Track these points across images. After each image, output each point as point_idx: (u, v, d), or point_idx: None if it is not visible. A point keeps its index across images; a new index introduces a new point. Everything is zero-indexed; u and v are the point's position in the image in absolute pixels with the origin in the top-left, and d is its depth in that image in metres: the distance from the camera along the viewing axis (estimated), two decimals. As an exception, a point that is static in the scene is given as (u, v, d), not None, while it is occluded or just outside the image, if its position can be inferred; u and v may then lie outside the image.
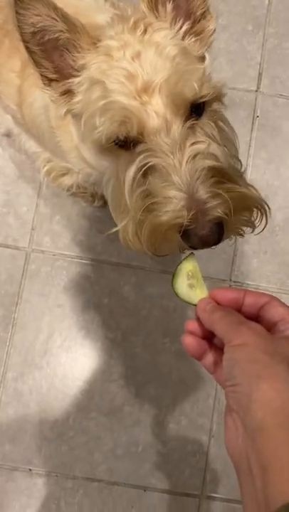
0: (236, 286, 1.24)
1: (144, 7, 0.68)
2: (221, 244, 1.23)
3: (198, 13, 0.70)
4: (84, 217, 1.25)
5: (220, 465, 1.18)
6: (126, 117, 0.64)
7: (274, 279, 1.25)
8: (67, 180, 1.04)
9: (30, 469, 1.16)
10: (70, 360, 1.20)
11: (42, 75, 0.69)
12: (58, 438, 1.17)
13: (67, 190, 1.09)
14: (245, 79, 1.33)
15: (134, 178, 0.67)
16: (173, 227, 0.63)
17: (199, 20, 0.71)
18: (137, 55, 0.64)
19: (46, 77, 0.69)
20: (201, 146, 0.64)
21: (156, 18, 0.68)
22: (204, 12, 0.70)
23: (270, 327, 0.56)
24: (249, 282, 1.24)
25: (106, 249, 1.25)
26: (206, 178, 0.62)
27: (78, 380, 1.19)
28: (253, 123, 1.31)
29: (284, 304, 0.58)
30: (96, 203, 1.23)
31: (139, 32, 0.66)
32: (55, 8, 0.63)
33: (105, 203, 1.24)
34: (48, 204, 1.25)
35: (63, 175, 1.04)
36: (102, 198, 1.22)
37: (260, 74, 1.33)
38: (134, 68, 0.64)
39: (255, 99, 1.32)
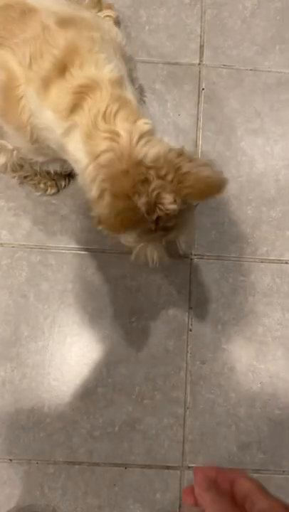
0: (197, 259, 1.25)
1: None
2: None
3: None
4: (40, 207, 1.25)
5: (197, 435, 1.20)
6: None
7: (234, 248, 1.26)
8: (0, 159, 1.04)
9: (10, 459, 1.17)
10: (40, 348, 1.21)
11: None
12: (35, 426, 1.18)
13: (2, 170, 1.08)
14: (187, 53, 1.33)
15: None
16: None
17: None
18: None
19: None
20: None
21: None
22: None
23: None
24: (209, 254, 1.26)
25: (65, 235, 1.25)
26: None
27: (49, 367, 1.20)
28: (199, 96, 1.31)
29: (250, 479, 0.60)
30: (49, 191, 1.23)
31: None
32: None
33: (58, 190, 1.25)
34: (1, 197, 1.25)
35: None
36: (54, 185, 1.23)
37: (201, 46, 1.33)
38: None
39: (199, 72, 1.32)
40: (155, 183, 0.79)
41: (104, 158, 0.81)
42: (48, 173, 1.15)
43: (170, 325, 1.23)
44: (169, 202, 0.80)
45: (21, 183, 1.23)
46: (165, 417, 1.20)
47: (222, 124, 1.30)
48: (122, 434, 1.19)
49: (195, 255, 1.25)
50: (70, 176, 1.23)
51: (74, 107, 0.83)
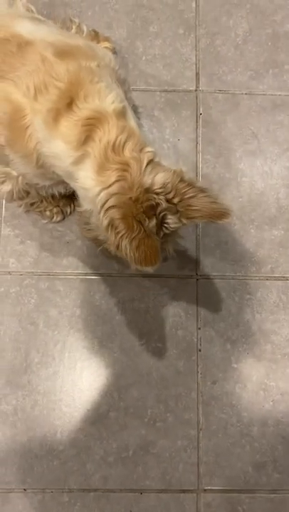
0: (203, 280, 1.27)
1: None
2: (182, 242, 1.27)
3: None
4: (46, 234, 1.27)
5: (212, 457, 1.19)
6: None
7: (238, 267, 1.28)
8: (6, 187, 1.08)
9: (24, 489, 1.16)
10: (50, 374, 1.21)
11: None
12: (49, 454, 1.17)
13: (9, 198, 1.12)
14: (183, 80, 1.37)
15: None
16: None
17: None
18: None
19: None
20: None
21: None
22: None
23: None
24: (215, 273, 1.27)
25: (71, 261, 1.27)
26: None
27: (61, 393, 1.20)
28: (197, 121, 1.35)
29: None
30: (55, 218, 1.25)
31: None
32: None
33: (64, 217, 1.27)
34: (9, 226, 1.27)
35: (2, 182, 1.07)
36: (60, 212, 1.25)
37: (197, 73, 1.37)
38: None
39: (196, 97, 1.36)
40: (162, 206, 0.86)
41: (115, 187, 0.87)
42: (54, 198, 1.18)
43: (179, 346, 1.23)
44: (173, 222, 0.90)
45: (27, 212, 1.25)
46: (179, 439, 1.19)
47: (221, 147, 1.34)
48: (136, 458, 1.18)
49: (200, 275, 1.27)
50: (74, 202, 1.25)
51: (86, 139, 0.88)
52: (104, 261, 1.26)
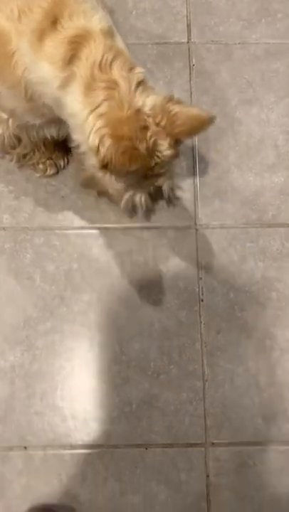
0: (203, 230, 1.23)
1: None
2: (179, 192, 1.24)
3: None
4: (40, 189, 1.25)
5: (219, 408, 1.14)
6: None
7: (239, 216, 1.24)
8: None
9: (25, 447, 1.12)
10: (49, 329, 1.17)
11: None
12: (49, 409, 1.13)
13: (0, 147, 1.09)
14: (175, 33, 1.35)
15: None
16: None
17: None
18: None
19: None
20: None
21: None
22: None
23: None
24: (214, 223, 1.24)
25: (67, 215, 1.24)
26: None
27: (60, 347, 1.16)
28: (190, 72, 1.33)
29: None
30: (48, 171, 1.23)
31: None
32: None
33: (58, 171, 1.25)
34: (2, 181, 1.25)
35: None
36: (53, 165, 1.23)
37: (188, 26, 1.36)
38: None
39: (188, 49, 1.34)
40: (152, 129, 0.83)
41: (104, 107, 0.84)
42: (47, 148, 1.15)
43: (181, 296, 1.19)
44: (165, 148, 0.86)
45: (20, 166, 1.23)
46: (183, 391, 1.15)
47: (215, 97, 1.31)
48: (140, 412, 1.14)
49: (200, 225, 1.23)
50: (68, 154, 1.23)
51: (71, 58, 0.85)
52: (100, 214, 1.23)
